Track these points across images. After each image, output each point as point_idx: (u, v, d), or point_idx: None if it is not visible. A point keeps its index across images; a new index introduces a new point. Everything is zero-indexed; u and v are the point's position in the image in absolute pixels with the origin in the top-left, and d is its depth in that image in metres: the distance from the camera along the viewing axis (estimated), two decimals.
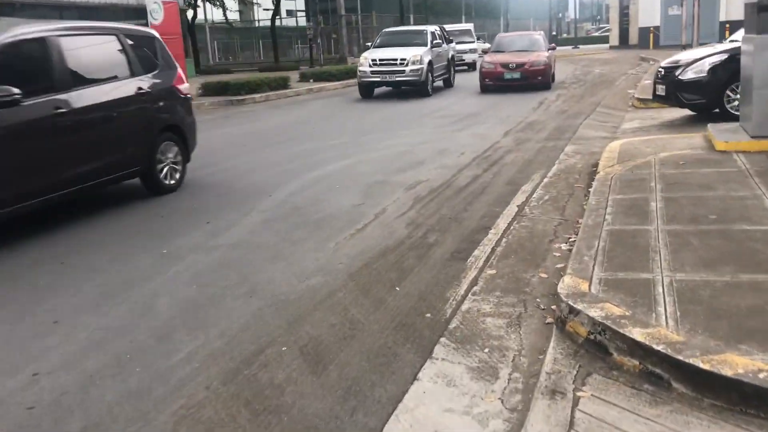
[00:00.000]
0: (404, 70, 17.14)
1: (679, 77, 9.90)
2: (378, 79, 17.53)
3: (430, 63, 17.76)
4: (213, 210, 6.55)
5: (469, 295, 4.11)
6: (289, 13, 52.35)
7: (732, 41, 10.33)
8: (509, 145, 9.54)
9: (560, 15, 72.46)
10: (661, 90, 10.35)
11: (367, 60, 17.71)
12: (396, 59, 17.28)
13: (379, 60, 17.46)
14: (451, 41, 21.71)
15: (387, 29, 21.70)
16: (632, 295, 3.56)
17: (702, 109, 10.17)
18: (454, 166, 8.22)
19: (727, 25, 30.42)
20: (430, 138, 10.58)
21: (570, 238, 5.17)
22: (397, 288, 4.28)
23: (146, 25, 17.54)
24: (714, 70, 9.63)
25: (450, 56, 20.56)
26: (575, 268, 4.04)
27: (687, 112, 10.80)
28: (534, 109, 13.97)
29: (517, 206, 6.17)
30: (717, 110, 9.81)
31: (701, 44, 20.26)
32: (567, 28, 78.65)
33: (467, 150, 9.28)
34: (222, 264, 4.92)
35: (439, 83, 19.78)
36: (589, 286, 3.75)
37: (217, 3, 36.65)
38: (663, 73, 10.36)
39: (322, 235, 5.56)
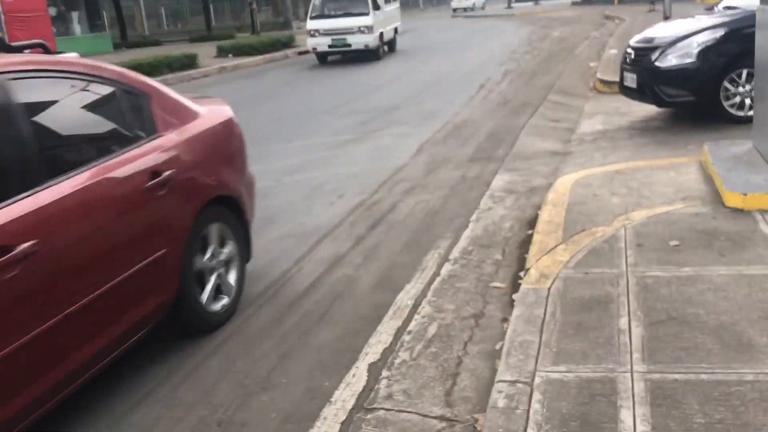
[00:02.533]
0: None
1: (657, 64, 6.90)
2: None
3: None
4: None
5: None
6: None
7: (728, 8, 7.37)
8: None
9: None
10: (630, 80, 7.34)
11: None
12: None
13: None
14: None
15: None
16: None
17: (690, 108, 7.24)
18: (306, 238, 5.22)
19: None
20: None
21: None
22: None
23: None
24: (705, 53, 6.65)
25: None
26: None
27: None
28: None
29: (368, 370, 3.19)
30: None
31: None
32: None
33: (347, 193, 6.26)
34: None
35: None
36: None
37: None
38: (633, 56, 7.33)
39: None
